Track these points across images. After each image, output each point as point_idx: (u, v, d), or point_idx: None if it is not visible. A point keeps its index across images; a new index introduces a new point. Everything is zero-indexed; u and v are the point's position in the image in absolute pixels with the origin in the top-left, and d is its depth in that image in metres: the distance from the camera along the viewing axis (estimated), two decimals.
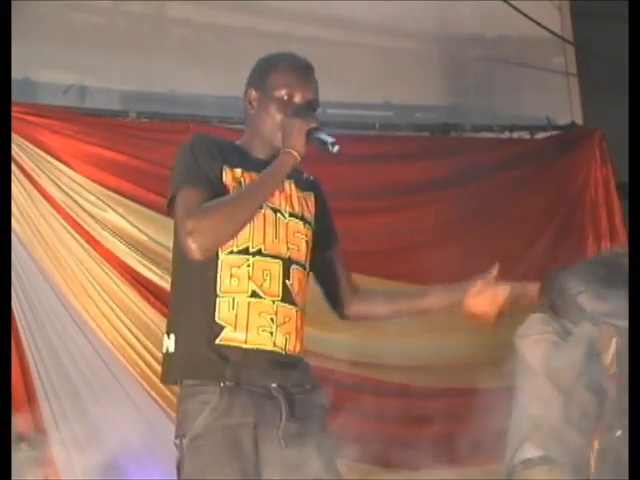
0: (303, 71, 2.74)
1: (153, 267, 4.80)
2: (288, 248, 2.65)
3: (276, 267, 2.62)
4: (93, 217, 4.78)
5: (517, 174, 5.51)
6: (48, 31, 5.11)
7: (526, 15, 5.62)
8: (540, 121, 5.87)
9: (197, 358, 2.59)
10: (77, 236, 4.74)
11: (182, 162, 2.66)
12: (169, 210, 2.65)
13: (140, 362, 4.70)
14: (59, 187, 4.75)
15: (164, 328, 4.78)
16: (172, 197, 2.61)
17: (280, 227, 2.65)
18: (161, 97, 5.20)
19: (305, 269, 2.70)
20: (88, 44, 5.20)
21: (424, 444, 4.48)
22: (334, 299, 2.84)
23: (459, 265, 4.94)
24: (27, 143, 4.72)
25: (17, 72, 4.60)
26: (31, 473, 4.29)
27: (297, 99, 2.69)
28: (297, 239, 2.68)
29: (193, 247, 2.52)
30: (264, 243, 2.62)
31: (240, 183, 2.63)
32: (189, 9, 5.42)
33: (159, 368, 4.65)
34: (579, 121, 5.98)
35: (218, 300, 2.59)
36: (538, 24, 5.71)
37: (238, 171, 2.65)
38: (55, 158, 4.77)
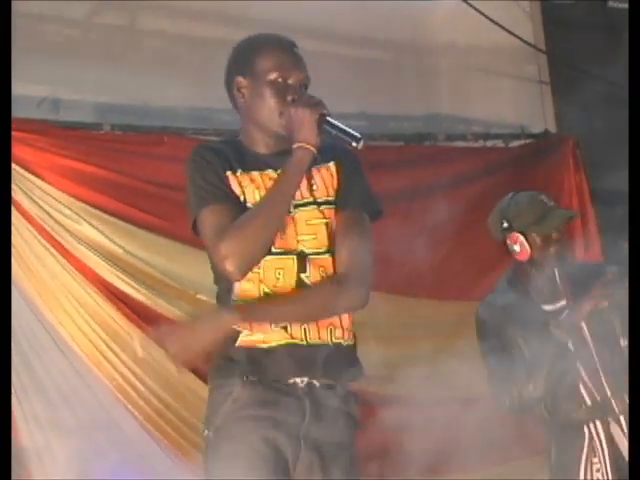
0: (290, 50, 2.70)
1: (129, 280, 4.78)
2: (298, 241, 2.59)
3: (290, 263, 2.57)
4: (68, 230, 4.76)
5: (492, 182, 5.51)
6: (21, 43, 5.06)
7: (498, 24, 5.64)
8: (514, 129, 5.89)
9: (222, 360, 2.58)
10: (52, 249, 4.71)
11: (192, 183, 2.60)
12: (195, 232, 2.63)
13: (116, 375, 4.68)
14: (33, 200, 4.72)
15: (140, 341, 4.80)
16: (194, 220, 2.59)
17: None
18: (135, 109, 5.18)
19: (329, 254, 2.61)
20: (61, 56, 5.17)
21: (404, 453, 4.48)
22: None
23: (435, 274, 4.98)
24: None
25: None
26: None
27: (291, 81, 2.64)
28: (311, 227, 2.62)
29: (232, 270, 2.50)
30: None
31: (243, 186, 2.58)
32: (162, 21, 5.41)
33: (135, 381, 4.69)
34: (552, 129, 6.01)
35: (233, 306, 2.58)
36: (510, 33, 5.74)
37: (238, 174, 2.60)
38: (29, 171, 4.74)
